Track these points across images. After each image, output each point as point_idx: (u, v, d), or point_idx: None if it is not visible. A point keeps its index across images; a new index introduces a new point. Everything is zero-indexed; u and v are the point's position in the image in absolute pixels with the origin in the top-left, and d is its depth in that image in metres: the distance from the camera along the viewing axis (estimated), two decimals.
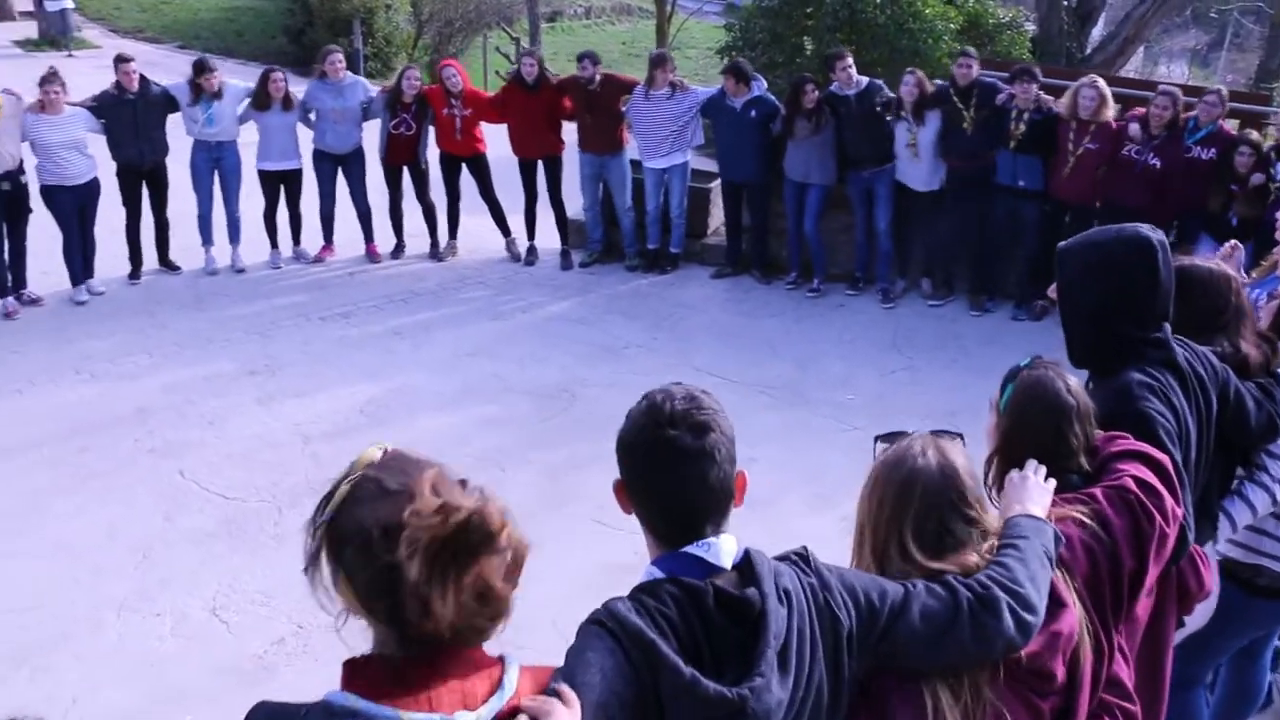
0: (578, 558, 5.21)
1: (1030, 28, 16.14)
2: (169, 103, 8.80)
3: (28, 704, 4.48)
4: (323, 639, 4.93)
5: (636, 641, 1.72)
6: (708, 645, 1.78)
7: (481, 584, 1.58)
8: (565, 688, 1.63)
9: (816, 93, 8.61)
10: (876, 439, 2.33)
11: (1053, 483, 2.40)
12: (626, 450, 1.91)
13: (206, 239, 9.30)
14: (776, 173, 9.02)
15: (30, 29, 20.22)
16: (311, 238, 9.64)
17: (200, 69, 8.84)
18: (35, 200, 8.35)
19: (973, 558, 2.14)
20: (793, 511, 5.78)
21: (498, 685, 1.62)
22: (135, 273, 9.08)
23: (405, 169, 9.45)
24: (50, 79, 8.18)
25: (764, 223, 9.30)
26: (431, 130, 9.36)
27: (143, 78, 8.66)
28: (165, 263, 9.26)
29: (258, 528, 5.74)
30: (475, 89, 9.58)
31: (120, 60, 8.64)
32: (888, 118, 8.54)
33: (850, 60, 8.74)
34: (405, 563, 1.53)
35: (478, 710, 1.58)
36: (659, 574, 1.85)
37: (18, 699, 4.53)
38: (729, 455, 1.87)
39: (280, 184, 9.30)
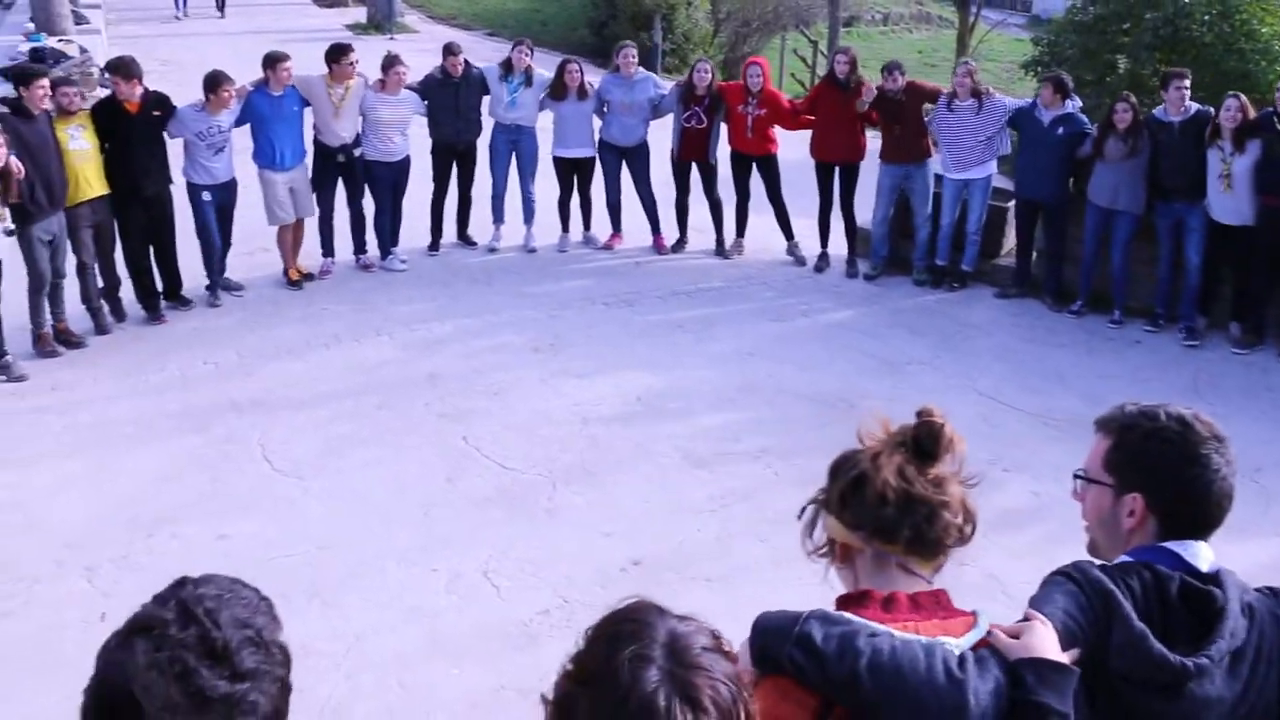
0: None
1: None
2: (484, 85, 9.24)
3: (316, 634, 4.78)
4: (586, 615, 5.01)
5: (1097, 589, 1.85)
6: (1162, 625, 1.85)
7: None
8: (1033, 611, 1.81)
9: (1130, 114, 8.12)
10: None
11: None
12: (1164, 442, 1.97)
13: (498, 218, 9.70)
14: (1074, 196, 8.58)
15: (360, 14, 21.78)
16: (600, 225, 9.87)
17: (448, 51, 9.19)
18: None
19: None
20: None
21: (973, 626, 1.80)
22: (435, 245, 9.59)
23: (694, 165, 9.53)
24: (394, 61, 8.76)
25: (1060, 247, 8.85)
26: (724, 127, 9.41)
27: (466, 62, 9.13)
28: (463, 237, 9.73)
29: (533, 499, 5.92)
30: (774, 90, 9.56)
31: (449, 51, 9.15)
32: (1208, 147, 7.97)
33: (1188, 83, 8.16)
34: None
35: (959, 640, 1.76)
36: (1132, 560, 1.96)
37: (308, 628, 4.83)
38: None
39: (574, 171, 9.59)
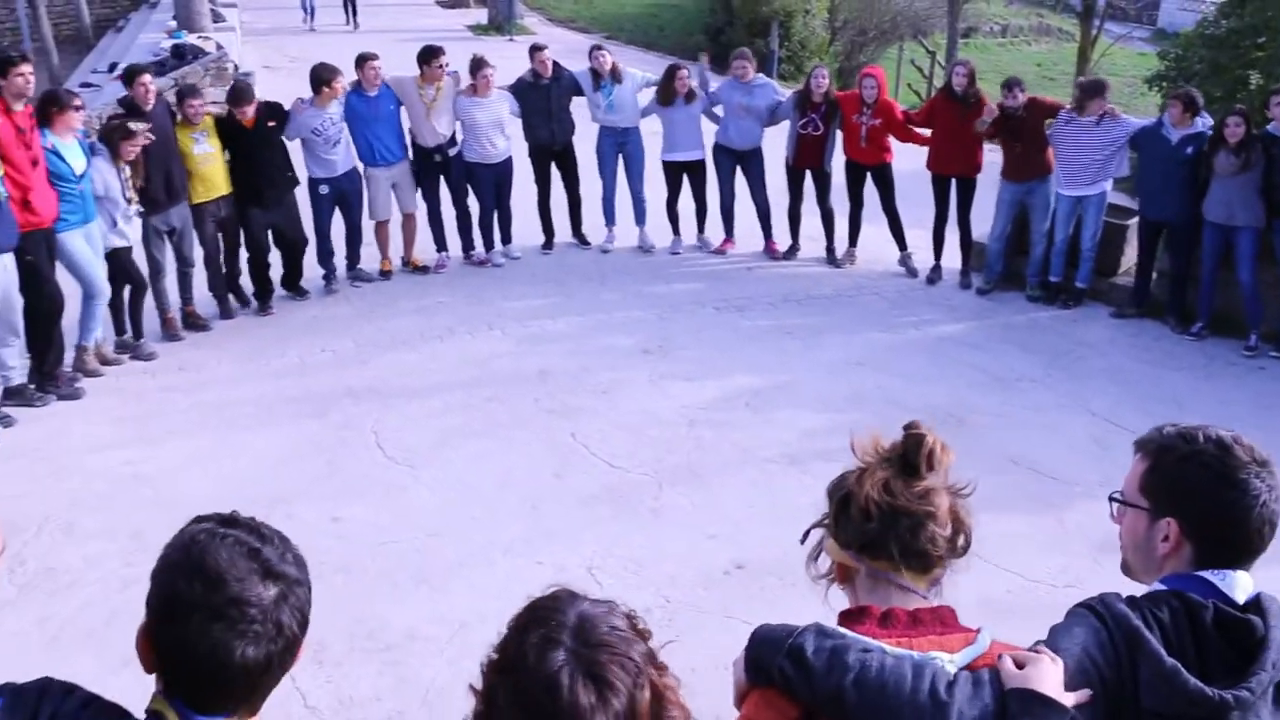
0: (961, 590, 5.03)
1: None
2: (576, 87, 9.36)
3: (423, 619, 4.91)
4: (687, 616, 5.07)
5: (1121, 624, 1.78)
6: (1196, 658, 1.79)
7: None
8: (1044, 648, 1.77)
9: (1242, 128, 7.89)
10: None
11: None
12: (1201, 466, 1.90)
13: (609, 220, 9.83)
14: (1200, 216, 8.35)
15: (481, 15, 22.16)
16: (713, 229, 9.91)
17: (535, 50, 9.32)
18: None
19: None
20: None
21: (971, 643, 1.80)
22: (548, 244, 9.75)
23: (809, 173, 9.51)
24: (480, 64, 8.90)
25: (1184, 268, 8.61)
26: (839, 136, 9.38)
27: (555, 64, 9.24)
28: (578, 236, 9.86)
29: (638, 499, 5.97)
30: (890, 100, 9.49)
31: (535, 49, 9.30)
32: None
33: None
34: None
35: (954, 656, 1.76)
36: (1163, 589, 1.89)
37: (415, 612, 4.97)
38: None
39: (683, 174, 9.65)
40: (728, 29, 20.29)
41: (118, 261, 7.47)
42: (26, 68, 6.72)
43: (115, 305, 7.70)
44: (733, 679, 1.89)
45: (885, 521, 1.86)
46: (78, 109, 7.17)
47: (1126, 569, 2.03)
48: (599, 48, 9.63)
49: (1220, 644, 1.79)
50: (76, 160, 6.98)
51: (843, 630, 1.80)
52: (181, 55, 14.08)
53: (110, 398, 7.21)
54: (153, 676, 1.62)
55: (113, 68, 15.00)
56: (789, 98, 9.45)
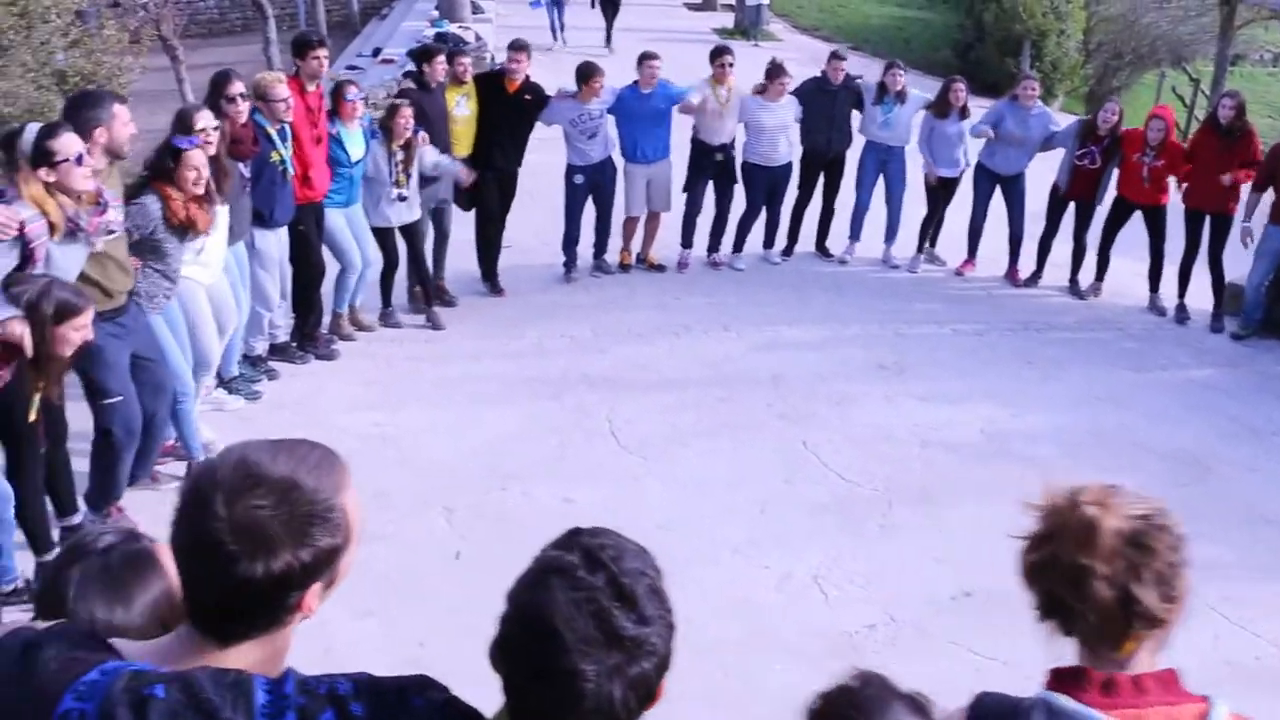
0: (1204, 653, 4.80)
1: None
2: (859, 99, 9.28)
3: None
4: (910, 637, 5.01)
5: None
6: None
7: None
8: None
9: None
10: None
11: None
12: None
13: (855, 235, 9.74)
14: None
15: (727, 19, 22.30)
16: (951, 247, 9.72)
17: (834, 57, 9.29)
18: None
19: None
20: None
21: (1205, 716, 1.69)
22: (789, 249, 9.72)
23: (1074, 203, 9.17)
24: (780, 70, 8.92)
25: None
26: (1115, 172, 8.97)
27: (847, 75, 9.20)
28: (821, 248, 9.81)
29: (866, 514, 5.92)
30: (1177, 143, 8.92)
31: (834, 56, 9.26)
32: None
33: None
34: None
35: None
36: None
37: None
38: None
39: (941, 190, 9.47)
40: (977, 45, 19.76)
41: (379, 239, 7.85)
42: (322, 51, 7.17)
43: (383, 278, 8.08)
44: None
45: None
46: (362, 99, 7.57)
47: None
48: (895, 64, 9.47)
49: None
50: (356, 148, 7.38)
51: (1072, 707, 1.71)
52: (445, 42, 14.72)
53: (362, 361, 7.62)
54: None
55: (376, 52, 15.85)
56: (1068, 126, 9.10)
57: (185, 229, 5.58)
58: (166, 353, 5.65)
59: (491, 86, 8.44)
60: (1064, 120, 9.90)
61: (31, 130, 4.73)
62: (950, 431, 6.87)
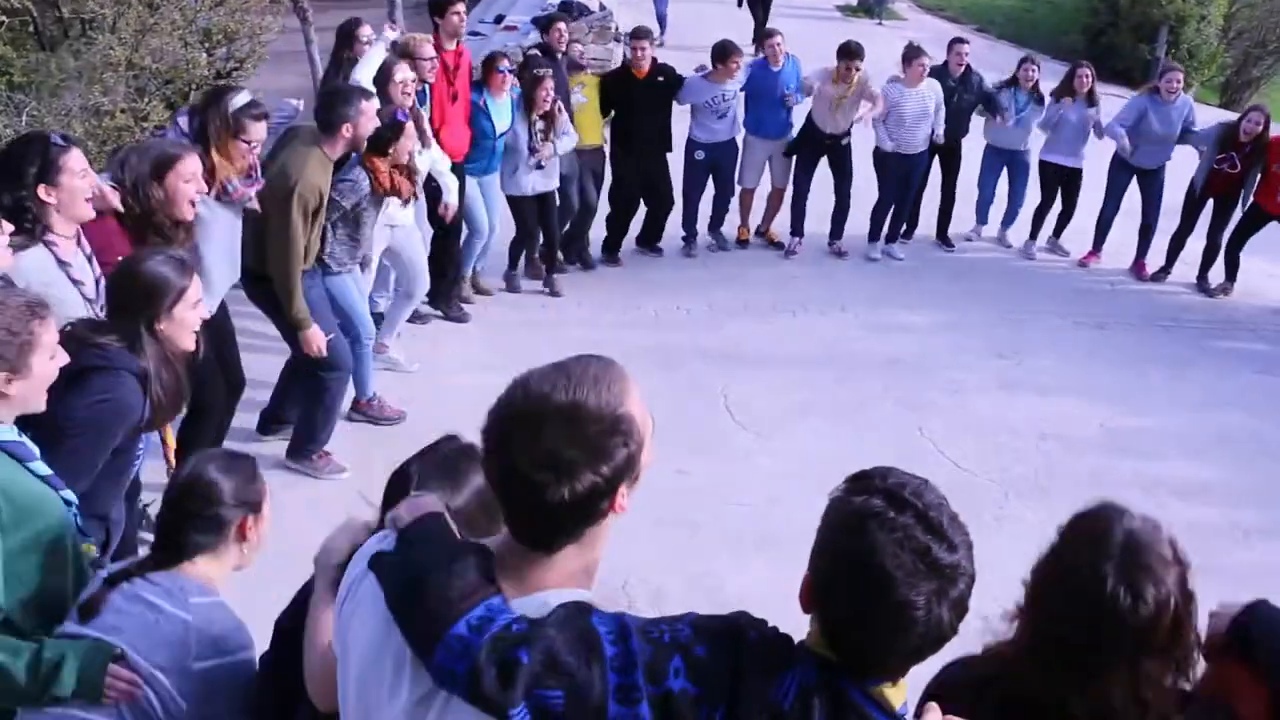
0: None
1: None
2: (981, 90, 9.15)
3: (758, 581, 5.03)
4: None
5: None
6: None
7: None
8: None
9: None
10: None
11: None
12: None
13: (981, 219, 9.69)
14: None
15: None
16: (1077, 239, 9.53)
17: (956, 42, 9.27)
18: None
19: None
20: None
21: None
22: (909, 233, 9.62)
23: (1213, 201, 8.87)
24: (918, 52, 8.77)
25: None
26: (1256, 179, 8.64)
27: (967, 66, 9.06)
28: (941, 236, 9.68)
29: (981, 505, 5.86)
30: None
31: (956, 41, 9.13)
32: None
33: None
34: None
35: None
36: None
37: (753, 575, 5.10)
38: None
39: (1059, 180, 9.27)
40: (1110, 30, 19.13)
41: (515, 207, 7.97)
42: (461, 6, 7.27)
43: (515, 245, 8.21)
44: (1208, 625, 2.01)
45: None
46: (512, 72, 7.65)
47: None
48: (1029, 59, 9.32)
49: None
50: (502, 120, 7.50)
51: None
52: (569, 10, 14.80)
53: (481, 323, 7.78)
54: None
55: (499, 19, 15.95)
56: (1207, 129, 8.76)
57: (386, 197, 5.81)
58: (354, 306, 5.86)
59: (619, 80, 8.51)
60: (1200, 110, 9.59)
61: (242, 98, 4.99)
62: (1069, 425, 6.77)
